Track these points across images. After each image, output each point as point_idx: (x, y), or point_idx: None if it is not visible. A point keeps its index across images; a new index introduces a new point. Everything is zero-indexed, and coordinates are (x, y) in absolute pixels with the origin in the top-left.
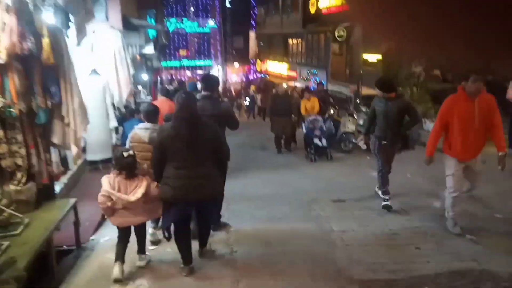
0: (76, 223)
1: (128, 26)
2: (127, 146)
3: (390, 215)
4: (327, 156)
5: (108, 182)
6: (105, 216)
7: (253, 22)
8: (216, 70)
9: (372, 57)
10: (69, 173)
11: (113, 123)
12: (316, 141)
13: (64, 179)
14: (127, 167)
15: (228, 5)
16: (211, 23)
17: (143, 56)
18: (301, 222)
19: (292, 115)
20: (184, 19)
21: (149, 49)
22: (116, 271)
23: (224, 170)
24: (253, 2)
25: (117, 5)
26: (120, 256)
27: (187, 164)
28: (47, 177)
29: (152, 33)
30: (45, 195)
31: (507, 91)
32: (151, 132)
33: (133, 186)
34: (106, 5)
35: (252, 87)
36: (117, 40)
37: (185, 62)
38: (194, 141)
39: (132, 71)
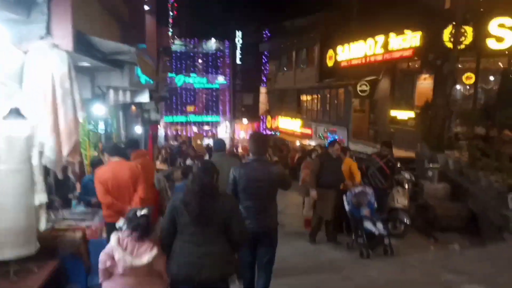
0: None
1: (90, 52)
2: None
3: None
4: (385, 249)
5: (116, 239)
6: (100, 280)
7: (264, 78)
8: (224, 126)
9: (402, 114)
10: None
11: (41, 197)
12: (369, 225)
13: None
14: (139, 228)
15: (238, 61)
16: (220, 79)
17: (138, 106)
18: None
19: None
20: (193, 74)
21: (144, 98)
22: None
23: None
24: (265, 58)
25: (66, 13)
26: None
27: (194, 240)
28: None
29: (144, 76)
30: None
31: None
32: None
33: (142, 250)
34: (48, 13)
35: None
36: (60, 65)
37: (192, 118)
38: (203, 216)
39: (82, 115)
